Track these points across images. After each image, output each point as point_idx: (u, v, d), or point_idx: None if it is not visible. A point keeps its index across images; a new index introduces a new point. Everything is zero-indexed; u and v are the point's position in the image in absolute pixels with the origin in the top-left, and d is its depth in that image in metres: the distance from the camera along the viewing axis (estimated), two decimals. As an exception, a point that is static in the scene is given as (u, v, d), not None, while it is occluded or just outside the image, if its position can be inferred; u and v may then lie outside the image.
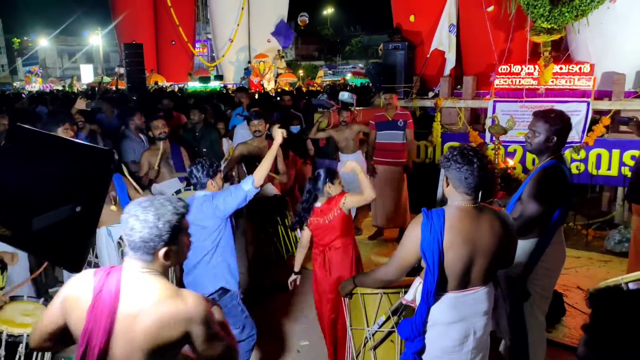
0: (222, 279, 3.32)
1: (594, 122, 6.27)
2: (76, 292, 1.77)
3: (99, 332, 1.68)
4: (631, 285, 2.61)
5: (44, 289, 4.69)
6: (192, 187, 4.94)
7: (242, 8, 24.77)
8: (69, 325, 1.77)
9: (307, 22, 27.22)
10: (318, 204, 3.47)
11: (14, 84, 39.53)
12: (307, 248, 3.63)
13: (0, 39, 56.77)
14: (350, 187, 6.35)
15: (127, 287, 1.73)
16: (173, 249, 1.76)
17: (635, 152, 5.74)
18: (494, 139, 5.28)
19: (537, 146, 3.00)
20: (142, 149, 5.31)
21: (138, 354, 1.68)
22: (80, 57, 45.90)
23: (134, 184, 3.89)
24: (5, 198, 1.28)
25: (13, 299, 2.90)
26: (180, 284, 3.62)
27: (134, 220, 1.69)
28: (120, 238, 3.65)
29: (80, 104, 5.49)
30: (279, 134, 3.60)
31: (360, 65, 35.63)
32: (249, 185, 3.26)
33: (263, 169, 3.39)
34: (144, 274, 1.74)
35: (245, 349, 3.36)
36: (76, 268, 1.26)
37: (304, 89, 17.85)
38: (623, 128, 6.05)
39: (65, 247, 1.25)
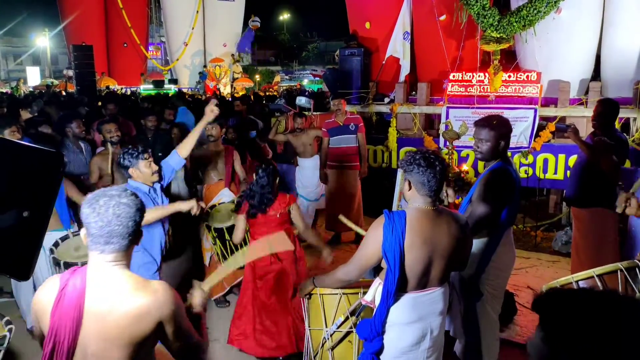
0: (138, 271, 3.21)
1: (541, 128, 6.55)
2: (42, 297, 1.72)
3: (66, 328, 1.64)
4: (581, 284, 2.73)
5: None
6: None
7: (197, 12, 24.44)
8: (43, 330, 1.72)
9: (259, 26, 27.08)
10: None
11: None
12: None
13: (-62, 39, 53.81)
14: (307, 191, 6.39)
15: (94, 282, 1.69)
16: (140, 236, 1.77)
17: (579, 157, 6.01)
18: (447, 143, 5.41)
19: (487, 154, 3.07)
20: (80, 161, 4.97)
21: (113, 348, 1.66)
22: (27, 59, 44.00)
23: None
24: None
25: None
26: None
27: (121, 207, 1.65)
28: (54, 245, 3.55)
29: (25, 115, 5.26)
30: (209, 107, 3.63)
31: (321, 68, 35.73)
32: (176, 158, 3.45)
33: (188, 141, 3.55)
34: (111, 267, 1.70)
35: None
36: (24, 276, 1.20)
37: (261, 94, 17.76)
38: (566, 134, 6.33)
39: (12, 254, 1.19)
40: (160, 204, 3.37)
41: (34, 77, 32.26)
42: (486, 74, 6.84)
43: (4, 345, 2.57)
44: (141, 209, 1.73)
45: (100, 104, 9.43)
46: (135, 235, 1.72)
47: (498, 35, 6.81)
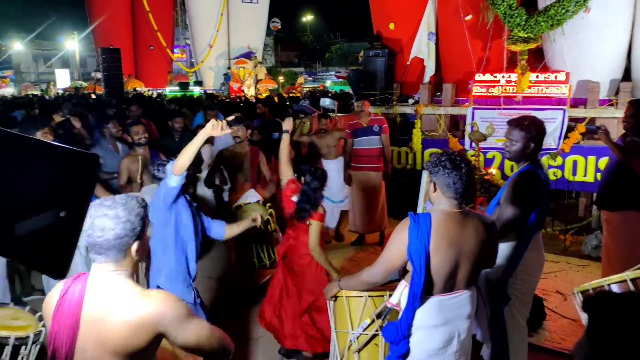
0: (157, 276, 3.19)
1: (570, 129, 6.42)
2: (48, 301, 1.76)
3: (64, 334, 1.66)
4: (614, 287, 2.67)
5: (19, 297, 4.58)
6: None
7: (222, 14, 24.69)
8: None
9: (280, 27, 27.18)
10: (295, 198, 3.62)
11: (-14, 89, 38.65)
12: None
13: (-28, 43, 55.57)
14: (332, 193, 6.39)
15: (93, 290, 1.70)
16: (142, 243, 1.76)
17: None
18: (473, 145, 5.35)
19: (516, 154, 3.06)
20: (116, 160, 5.06)
21: (110, 357, 1.66)
22: (56, 62, 45.10)
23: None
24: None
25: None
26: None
27: (103, 219, 1.64)
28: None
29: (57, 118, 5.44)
30: (208, 126, 2.98)
31: (344, 69, 35.66)
32: (172, 179, 3.00)
33: (184, 156, 2.96)
34: (111, 276, 1.70)
35: None
36: (60, 274, 1.22)
37: (285, 95, 17.84)
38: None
39: (49, 253, 1.22)
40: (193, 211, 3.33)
41: (63, 80, 33.03)
42: (513, 75, 6.74)
43: (40, 341, 2.64)
44: (132, 221, 1.69)
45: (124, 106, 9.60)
46: (121, 247, 1.69)
47: (525, 35, 6.70)
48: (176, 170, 2.96)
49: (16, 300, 4.26)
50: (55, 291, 1.76)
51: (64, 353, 1.66)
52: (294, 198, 3.56)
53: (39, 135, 3.63)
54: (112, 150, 5.27)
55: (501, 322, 3.03)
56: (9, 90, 34.30)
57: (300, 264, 3.68)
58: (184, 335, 1.72)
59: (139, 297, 1.69)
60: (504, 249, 2.96)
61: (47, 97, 19.79)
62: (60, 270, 1.22)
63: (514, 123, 3.08)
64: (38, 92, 26.81)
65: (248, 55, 24.13)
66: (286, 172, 3.80)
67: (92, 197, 1.29)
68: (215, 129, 2.88)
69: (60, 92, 25.57)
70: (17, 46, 48.89)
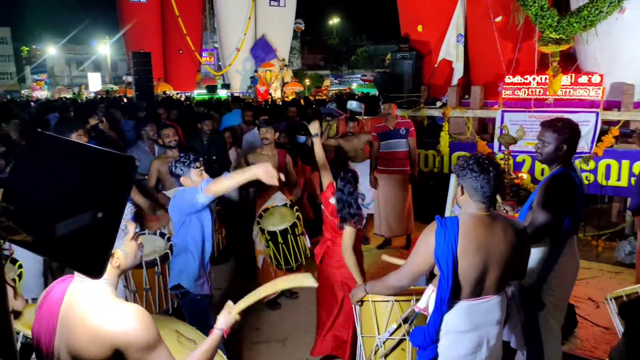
0: (179, 276, 3.26)
1: (603, 132, 6.27)
2: (38, 301, 1.79)
3: (45, 333, 1.67)
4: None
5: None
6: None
7: (250, 17, 24.95)
8: None
9: (303, 28, 27.21)
10: (334, 201, 3.54)
11: (22, 92, 39.91)
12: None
13: (9, 48, 57.47)
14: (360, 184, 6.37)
15: (73, 292, 1.70)
16: (120, 253, 1.73)
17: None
18: (502, 148, 5.27)
19: (548, 156, 3.00)
20: (150, 161, 5.20)
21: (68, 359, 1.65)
22: (88, 66, 46.28)
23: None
24: (26, 204, 1.28)
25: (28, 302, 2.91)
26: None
27: None
28: None
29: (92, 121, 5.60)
30: (261, 167, 2.86)
31: (370, 72, 35.49)
32: (201, 196, 3.00)
33: (223, 185, 2.96)
34: (90, 282, 1.67)
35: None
36: (97, 274, 1.26)
37: (312, 98, 17.90)
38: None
39: (86, 253, 1.25)
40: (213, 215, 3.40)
41: (95, 83, 33.86)
42: (545, 77, 6.61)
43: None
44: (127, 219, 1.71)
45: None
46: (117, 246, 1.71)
47: (557, 37, 6.57)
48: (210, 191, 2.96)
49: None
50: (44, 291, 1.79)
51: (44, 350, 1.68)
52: (332, 200, 3.53)
53: (74, 137, 3.74)
54: (148, 152, 5.43)
55: (535, 328, 2.97)
56: (42, 93, 35.35)
57: (339, 266, 3.66)
58: None
59: (111, 309, 1.65)
60: (537, 253, 2.91)
61: (79, 100, 20.30)
62: (97, 270, 1.25)
63: (547, 124, 3.03)
64: (70, 95, 27.51)
65: (267, 49, 24.15)
66: (326, 175, 3.76)
67: (128, 198, 1.32)
68: (268, 176, 2.74)
69: (92, 95, 26.19)
70: (51, 50, 50.40)
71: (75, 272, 1.71)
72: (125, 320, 1.63)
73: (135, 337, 1.62)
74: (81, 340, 1.61)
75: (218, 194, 2.98)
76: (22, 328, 2.53)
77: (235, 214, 5.84)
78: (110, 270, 1.72)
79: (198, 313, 3.29)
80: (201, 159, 3.33)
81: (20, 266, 3.23)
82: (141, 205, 4.50)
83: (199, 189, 3.03)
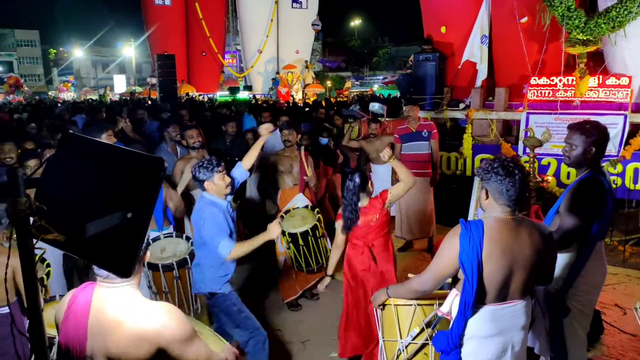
0: (208, 285, 3.33)
1: (632, 135, 6.13)
2: (59, 309, 1.81)
3: (75, 343, 1.68)
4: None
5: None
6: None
7: (272, 20, 25.09)
8: None
9: (320, 29, 27.14)
10: (362, 204, 3.56)
11: (49, 93, 40.84)
12: (342, 249, 3.71)
13: (37, 50, 58.89)
14: (382, 186, 6.36)
15: (101, 300, 1.71)
16: (144, 257, 1.78)
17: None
18: (527, 151, 5.19)
19: (576, 159, 2.94)
20: (173, 162, 5.22)
21: None
22: (114, 68, 47.10)
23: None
24: (59, 204, 1.30)
25: (47, 300, 2.97)
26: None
27: None
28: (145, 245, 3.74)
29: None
30: (263, 128, 3.92)
31: (391, 73, 35.23)
32: (239, 170, 3.69)
33: (250, 155, 3.78)
34: (119, 286, 1.71)
35: (256, 347, 3.34)
36: (126, 273, 1.28)
37: (333, 100, 17.90)
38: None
39: (116, 253, 1.27)
40: (234, 218, 3.46)
41: (120, 85, 34.44)
42: (572, 78, 6.50)
43: None
44: None
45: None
46: (146, 250, 1.76)
47: (584, 38, 6.45)
48: (246, 164, 3.65)
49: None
50: (63, 301, 1.80)
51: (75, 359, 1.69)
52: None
53: (104, 137, 3.83)
54: (171, 154, 5.48)
55: (560, 334, 2.92)
56: (69, 95, 36.11)
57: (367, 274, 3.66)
58: (185, 355, 1.71)
59: (145, 309, 1.68)
60: (564, 258, 2.86)
61: (104, 102, 20.67)
62: (126, 269, 1.27)
63: (574, 127, 2.97)
64: (96, 97, 28.03)
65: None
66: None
67: (157, 199, 1.34)
68: (267, 132, 3.74)
69: (117, 96, 26.62)
70: (78, 53, 51.42)
71: (98, 278, 1.74)
72: (161, 317, 1.67)
73: (174, 331, 1.67)
74: (120, 344, 1.64)
75: (251, 164, 3.75)
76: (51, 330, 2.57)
77: (260, 219, 5.87)
78: (138, 274, 1.76)
79: (227, 309, 3.35)
80: (223, 163, 3.37)
81: (48, 265, 3.30)
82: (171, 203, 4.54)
83: (235, 172, 3.56)
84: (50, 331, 2.55)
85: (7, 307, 2.91)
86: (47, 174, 1.39)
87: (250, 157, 3.76)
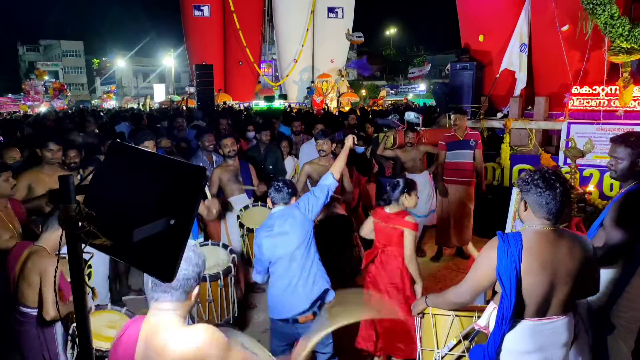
0: (324, 281, 3.33)
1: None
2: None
3: None
4: None
5: (118, 297, 4.93)
6: (259, 203, 5.06)
7: (307, 29, 25.34)
8: None
9: (362, 41, 27.21)
10: (388, 210, 3.73)
11: (92, 102, 42.28)
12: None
13: (82, 60, 61.19)
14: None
15: (146, 330, 1.76)
16: (199, 290, 1.83)
17: None
18: (568, 162, 5.06)
19: (622, 172, 2.87)
20: (209, 170, 5.37)
21: None
22: (154, 77, 48.36)
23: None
24: (107, 211, 1.35)
25: (97, 307, 2.96)
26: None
27: None
28: None
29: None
30: (349, 138, 3.90)
31: (418, 69, 34.56)
32: (330, 179, 3.46)
33: (338, 164, 3.64)
34: (169, 315, 1.76)
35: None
36: (168, 278, 1.31)
37: (367, 109, 17.89)
38: None
39: (159, 258, 1.31)
40: None
41: (159, 94, 35.31)
42: (616, 88, 6.31)
43: None
44: (199, 265, 1.82)
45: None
46: (187, 288, 1.78)
47: (629, 46, 6.25)
48: (336, 174, 3.55)
49: (115, 301, 4.58)
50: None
51: None
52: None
53: (149, 146, 3.95)
54: (207, 162, 5.56)
55: (604, 352, 2.82)
56: (111, 104, 37.28)
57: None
58: None
59: (182, 334, 1.73)
60: (608, 274, 2.77)
61: (143, 111, 21.23)
62: (169, 274, 1.30)
63: (618, 140, 2.89)
64: (137, 105, 28.82)
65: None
66: None
67: (199, 206, 1.38)
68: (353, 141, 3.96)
69: (156, 105, 27.30)
70: (120, 63, 53.12)
71: (150, 309, 1.81)
72: (196, 338, 1.72)
73: (209, 347, 1.71)
74: None
75: (340, 172, 3.65)
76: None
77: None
78: (189, 305, 1.82)
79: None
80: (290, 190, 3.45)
81: (89, 266, 3.40)
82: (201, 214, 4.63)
83: (324, 181, 3.50)
84: (101, 344, 2.56)
85: (37, 309, 2.91)
86: (95, 181, 1.45)
87: (338, 167, 3.66)
